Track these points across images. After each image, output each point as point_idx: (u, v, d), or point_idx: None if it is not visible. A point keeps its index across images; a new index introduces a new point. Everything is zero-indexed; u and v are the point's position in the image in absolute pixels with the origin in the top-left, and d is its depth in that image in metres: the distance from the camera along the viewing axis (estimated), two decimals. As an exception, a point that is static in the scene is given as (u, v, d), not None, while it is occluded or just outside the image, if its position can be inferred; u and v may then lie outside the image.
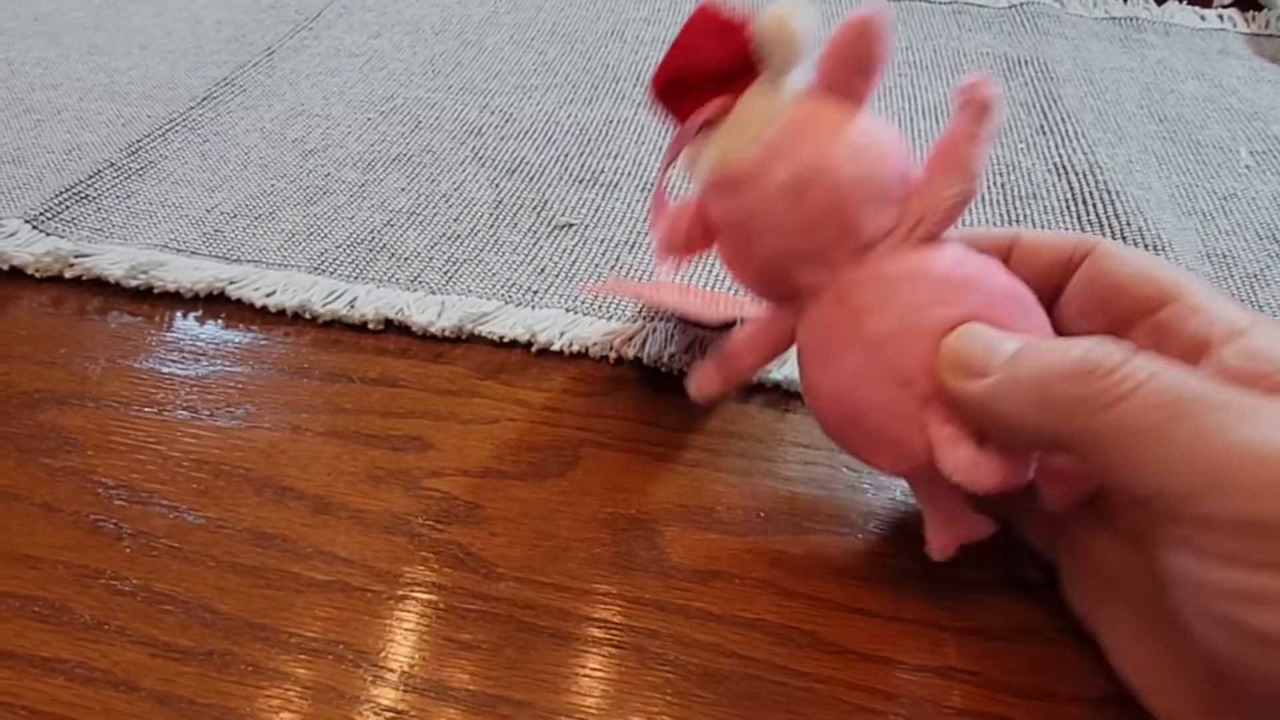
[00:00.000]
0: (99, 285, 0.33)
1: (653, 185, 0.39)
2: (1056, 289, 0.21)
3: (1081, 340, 0.17)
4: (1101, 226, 0.35)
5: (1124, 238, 0.34)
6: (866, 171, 0.19)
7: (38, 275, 0.33)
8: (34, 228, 0.35)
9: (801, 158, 0.19)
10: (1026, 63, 0.48)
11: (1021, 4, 0.54)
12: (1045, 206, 0.37)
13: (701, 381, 0.25)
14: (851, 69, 0.19)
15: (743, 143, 0.20)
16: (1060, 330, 0.21)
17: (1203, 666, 0.17)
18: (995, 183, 0.39)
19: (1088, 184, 0.38)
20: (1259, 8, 0.53)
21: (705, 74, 0.20)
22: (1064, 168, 0.39)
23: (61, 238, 0.35)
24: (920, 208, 0.20)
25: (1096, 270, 0.20)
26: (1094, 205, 0.36)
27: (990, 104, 0.19)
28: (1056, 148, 0.41)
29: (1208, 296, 0.19)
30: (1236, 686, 0.16)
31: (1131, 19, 0.53)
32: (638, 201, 0.37)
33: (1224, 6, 0.54)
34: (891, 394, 0.19)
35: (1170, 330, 0.19)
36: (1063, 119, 0.43)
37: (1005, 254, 0.21)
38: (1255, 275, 0.34)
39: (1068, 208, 0.37)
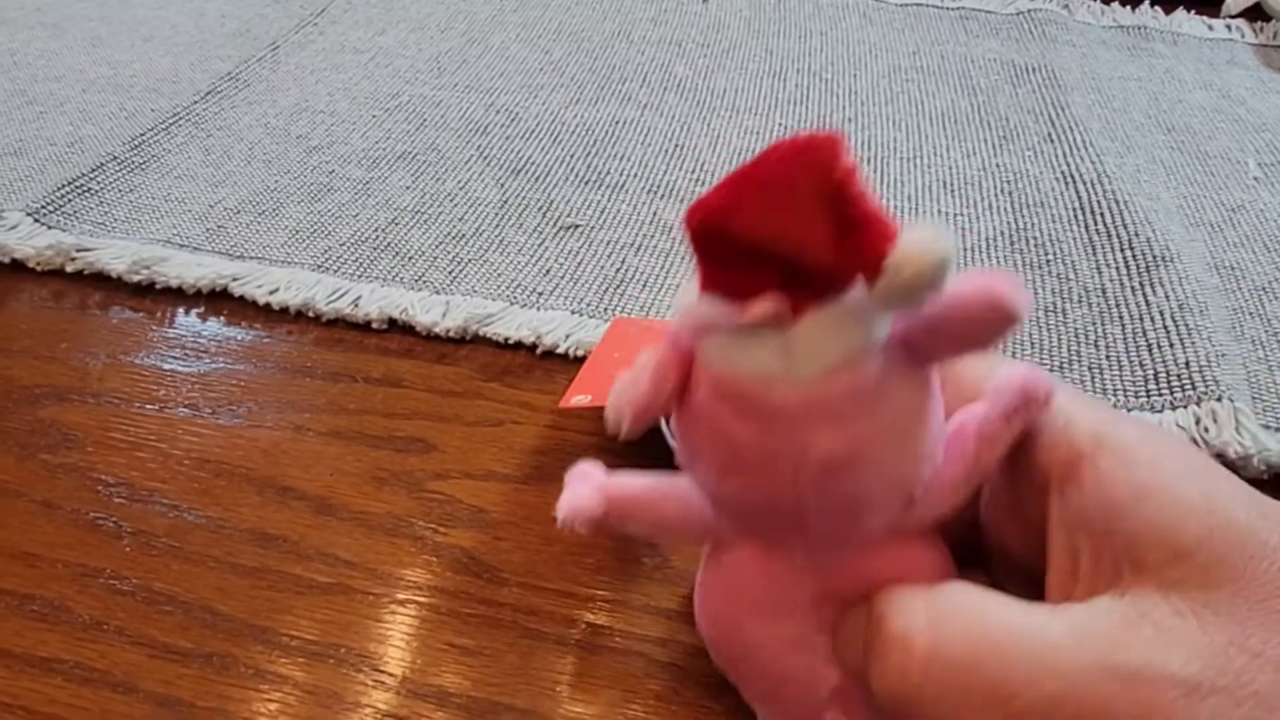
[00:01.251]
0: (100, 279, 0.33)
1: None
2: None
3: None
4: (1109, 236, 0.35)
5: (1132, 248, 0.34)
6: (910, 477, 0.16)
7: (39, 269, 0.33)
8: (36, 220, 0.35)
9: (856, 439, 0.15)
10: (1034, 70, 0.48)
11: (1029, 11, 0.54)
12: (1053, 215, 0.37)
13: (577, 503, 0.19)
14: (957, 344, 0.15)
15: (798, 374, 0.15)
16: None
17: None
18: (1003, 190, 0.39)
19: (1095, 193, 0.38)
20: (1267, 18, 0.53)
21: (790, 256, 0.14)
22: (1072, 176, 0.39)
23: (63, 231, 0.34)
24: (927, 498, 0.17)
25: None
26: (1102, 215, 0.36)
27: (1046, 402, 0.16)
28: (1064, 156, 0.41)
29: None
30: None
31: (1139, 27, 0.53)
32: (643, 204, 0.37)
33: (1231, 16, 0.54)
34: (804, 671, 0.18)
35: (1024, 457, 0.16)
36: (1070, 127, 0.42)
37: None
38: (1263, 288, 0.33)
39: (1075, 217, 0.37)
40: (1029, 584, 0.17)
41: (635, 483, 0.19)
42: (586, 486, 0.19)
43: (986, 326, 0.15)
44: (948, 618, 0.15)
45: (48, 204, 0.36)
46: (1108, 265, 0.34)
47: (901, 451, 0.16)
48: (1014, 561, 0.18)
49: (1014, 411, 0.16)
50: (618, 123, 0.43)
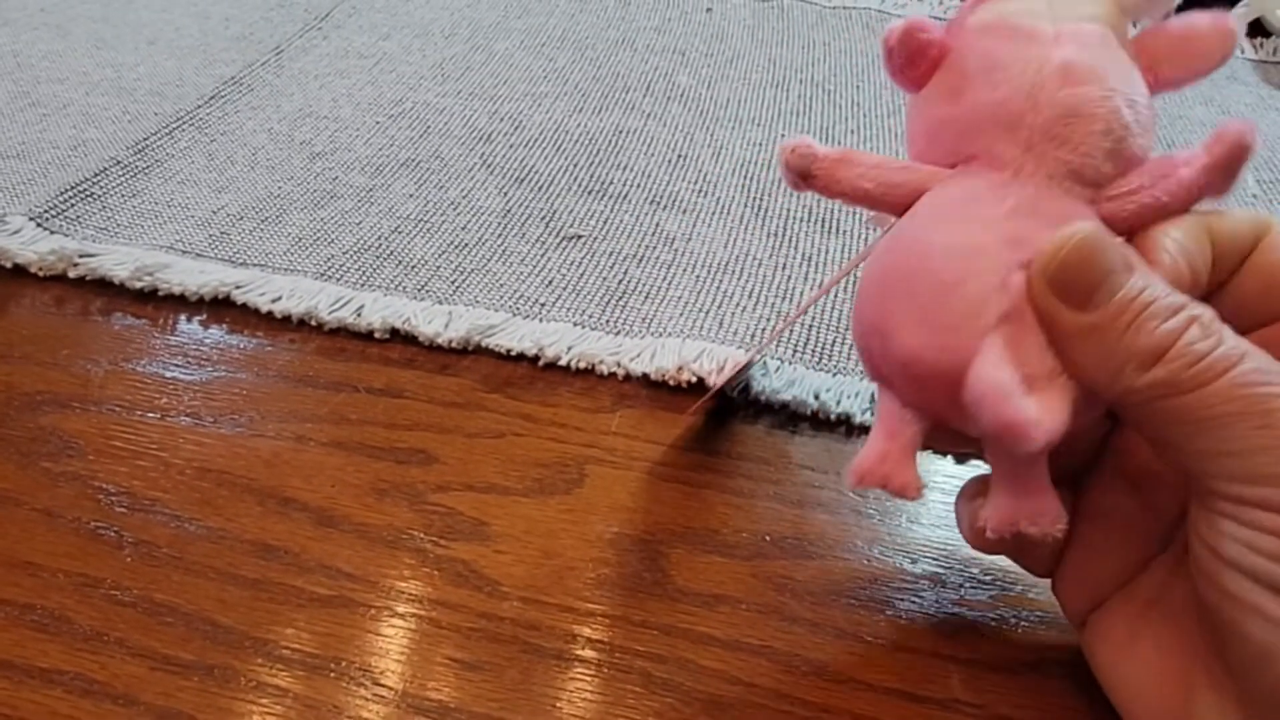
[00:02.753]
0: (102, 285, 0.33)
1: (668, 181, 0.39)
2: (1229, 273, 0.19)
3: (1181, 309, 0.16)
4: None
5: (1132, 265, 0.34)
6: (1125, 120, 0.17)
7: (41, 274, 0.33)
8: (38, 225, 0.35)
9: (1093, 60, 0.17)
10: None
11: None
12: (1053, 230, 0.37)
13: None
14: (1184, 59, 0.19)
15: (1058, 14, 0.18)
16: (1228, 315, 0.18)
17: (1195, 672, 0.17)
18: (1004, 205, 0.39)
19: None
20: (1267, 35, 0.53)
21: None
22: (1072, 192, 0.39)
23: (66, 236, 0.34)
24: (1156, 187, 0.18)
25: (1267, 259, 0.18)
26: (1102, 231, 0.37)
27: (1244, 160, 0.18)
28: (1065, 171, 0.41)
29: None
30: (1253, 683, 0.16)
31: (1141, 42, 0.53)
32: (646, 215, 0.37)
33: (1233, 32, 0.54)
34: (981, 278, 0.17)
35: None
36: (1072, 142, 0.43)
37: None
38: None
39: (1076, 232, 0.37)
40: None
41: (860, 152, 0.20)
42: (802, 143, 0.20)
43: (1213, 40, 0.18)
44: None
45: (50, 209, 0.36)
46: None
47: (1128, 91, 0.17)
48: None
49: (1216, 140, 0.18)
50: (621, 132, 0.43)
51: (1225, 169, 0.18)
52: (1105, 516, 0.20)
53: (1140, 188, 0.18)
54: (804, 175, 0.20)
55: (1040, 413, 0.16)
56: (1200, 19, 0.18)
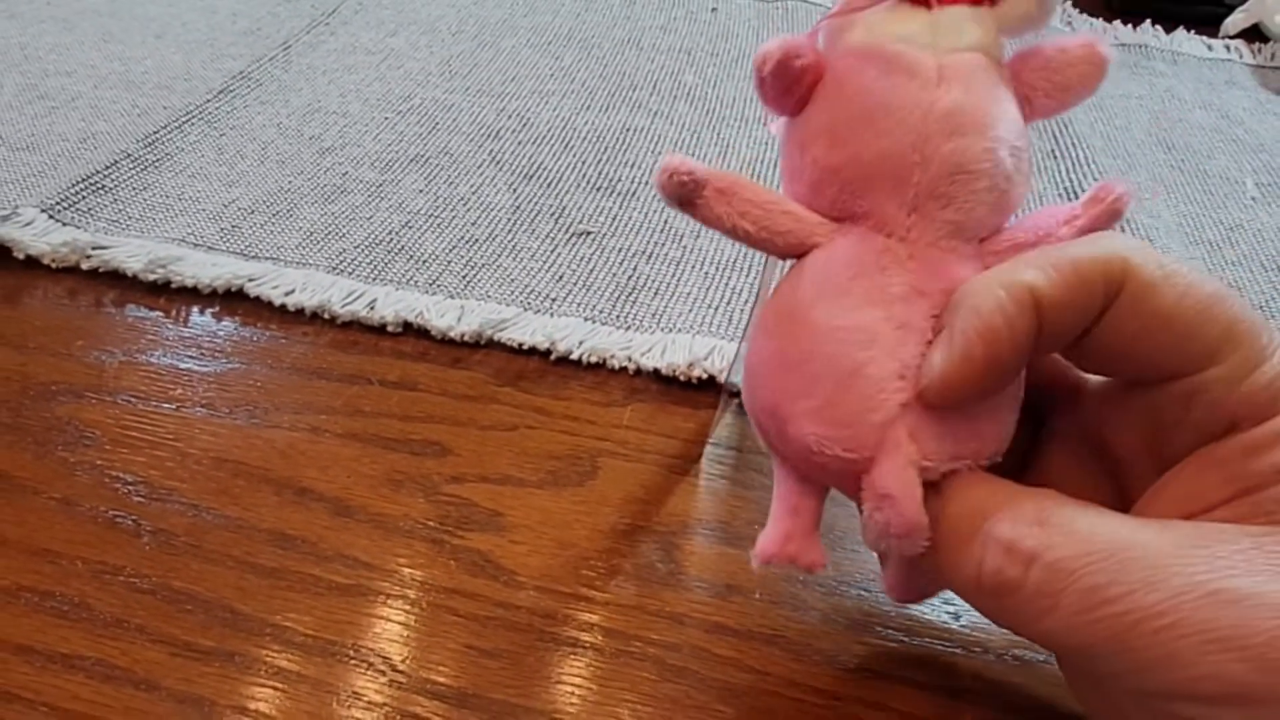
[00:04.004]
0: (115, 277, 0.33)
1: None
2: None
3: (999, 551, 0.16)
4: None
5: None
6: (1008, 170, 0.17)
7: (54, 265, 0.33)
8: (51, 217, 0.35)
9: (979, 101, 0.17)
10: (1038, 86, 0.49)
11: (1033, 27, 0.54)
12: (1056, 231, 0.38)
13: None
14: (1055, 89, 0.18)
15: (939, 44, 0.17)
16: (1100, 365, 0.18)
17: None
18: (1007, 205, 0.39)
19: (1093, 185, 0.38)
20: (1265, 40, 0.54)
21: None
22: (1075, 193, 0.40)
23: (78, 228, 0.35)
24: (1037, 245, 0.18)
25: (1122, 325, 0.16)
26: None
27: (1125, 208, 0.19)
28: (1068, 172, 0.41)
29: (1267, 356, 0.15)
30: None
31: (1140, 46, 0.54)
32: (655, 211, 0.38)
33: (1230, 37, 0.54)
34: (877, 365, 0.17)
35: (1205, 402, 0.16)
36: (1073, 144, 0.43)
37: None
38: (1260, 306, 0.34)
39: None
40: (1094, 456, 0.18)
41: (744, 179, 0.19)
42: (705, 167, 0.19)
43: (1086, 66, 0.18)
44: (1057, 523, 0.15)
45: (62, 201, 0.36)
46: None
47: (1010, 137, 0.17)
48: (1093, 438, 0.19)
49: (1096, 198, 0.18)
50: (628, 130, 0.43)
51: (1102, 229, 0.19)
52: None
53: (1023, 243, 0.18)
54: (683, 203, 0.18)
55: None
56: (1071, 43, 0.18)
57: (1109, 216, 0.18)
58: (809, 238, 0.19)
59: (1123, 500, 0.18)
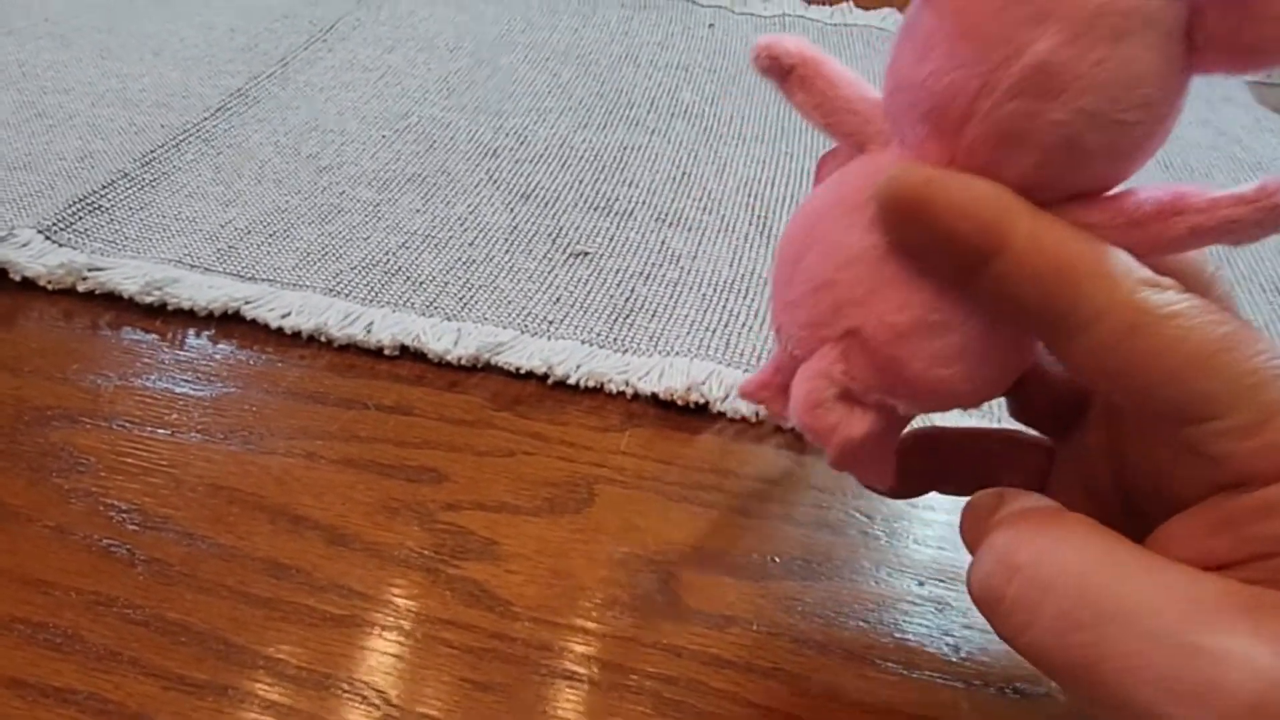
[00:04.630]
0: (111, 299, 0.33)
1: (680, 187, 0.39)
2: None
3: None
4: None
5: (1131, 286, 0.35)
6: (1088, 148, 0.15)
7: (50, 287, 0.33)
8: (47, 238, 0.35)
9: (1077, 64, 0.14)
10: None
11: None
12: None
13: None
14: (1242, 45, 0.14)
15: None
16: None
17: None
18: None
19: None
20: (1261, 56, 0.54)
21: None
22: (1072, 212, 0.40)
23: (74, 249, 0.35)
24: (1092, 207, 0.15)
25: (1109, 353, 0.15)
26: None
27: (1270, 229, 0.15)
28: (1065, 191, 0.41)
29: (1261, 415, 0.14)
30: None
31: (1138, 62, 0.54)
32: (652, 232, 0.38)
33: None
34: (844, 288, 0.17)
35: (1210, 454, 0.15)
36: (1071, 162, 0.43)
37: (987, 252, 0.15)
38: (1262, 328, 0.34)
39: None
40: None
41: (832, 64, 0.19)
42: (794, 39, 0.19)
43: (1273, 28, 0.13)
44: (1049, 540, 0.15)
45: (58, 221, 0.36)
46: None
47: (1107, 109, 0.14)
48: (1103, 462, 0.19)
49: (1245, 200, 0.14)
50: (626, 148, 0.43)
51: (1235, 236, 0.15)
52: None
53: (1112, 221, 0.15)
54: (782, 76, 0.19)
55: (836, 424, 0.18)
56: None
57: (1258, 221, 0.15)
58: (867, 142, 0.18)
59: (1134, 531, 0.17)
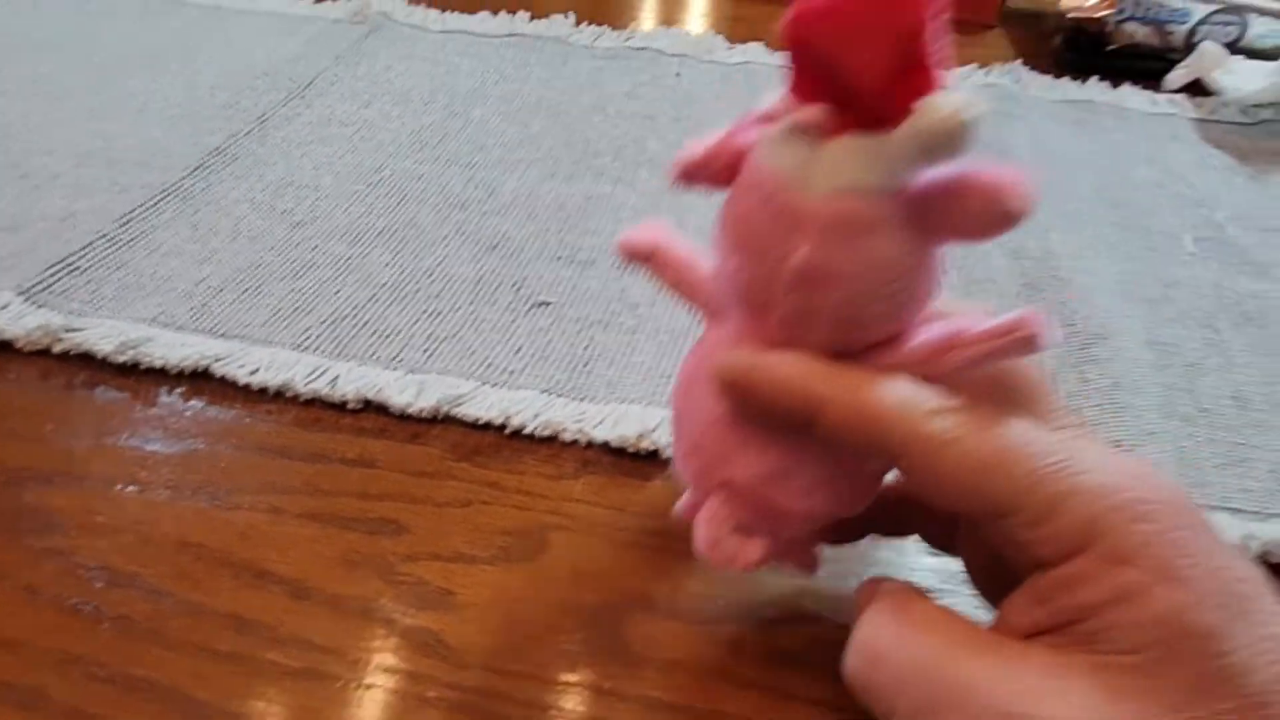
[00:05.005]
0: (86, 358, 0.34)
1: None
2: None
3: None
4: (1052, 313, 0.37)
5: (1073, 325, 0.36)
6: (864, 319, 0.18)
7: (27, 349, 0.34)
8: (26, 299, 0.36)
9: (830, 262, 0.17)
10: (987, 145, 0.50)
11: (985, 85, 0.57)
12: (1000, 290, 0.39)
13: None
14: (951, 231, 0.17)
15: (812, 183, 0.17)
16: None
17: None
18: (955, 266, 0.41)
19: (1041, 270, 0.40)
20: (1207, 93, 0.56)
21: (846, 78, 0.16)
22: (1018, 252, 0.41)
23: (52, 310, 0.36)
24: (883, 353, 0.19)
25: (914, 477, 0.18)
26: (1045, 292, 0.39)
27: (1035, 346, 0.18)
28: (1014, 232, 0.43)
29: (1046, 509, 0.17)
30: None
31: (1087, 101, 0.56)
32: (612, 280, 0.39)
33: (1173, 91, 0.57)
34: (711, 449, 0.21)
35: (1012, 544, 0.18)
36: (1020, 203, 0.45)
37: (807, 418, 0.19)
38: (1193, 364, 0.35)
39: (1020, 292, 0.39)
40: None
41: (683, 247, 0.23)
42: (649, 230, 0.24)
43: (982, 214, 0.17)
44: (902, 631, 0.18)
45: (38, 283, 0.37)
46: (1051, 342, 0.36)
47: (867, 292, 0.18)
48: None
49: (1002, 332, 0.18)
50: (590, 198, 0.45)
51: (1002, 359, 0.18)
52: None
53: (905, 361, 0.19)
54: (643, 262, 0.24)
55: (735, 555, 0.21)
56: (977, 186, 0.16)
57: (1014, 349, 0.18)
58: (714, 314, 0.22)
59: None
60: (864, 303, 0.18)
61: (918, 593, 0.19)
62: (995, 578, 0.20)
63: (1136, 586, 0.16)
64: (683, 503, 0.24)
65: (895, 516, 0.24)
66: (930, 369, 0.18)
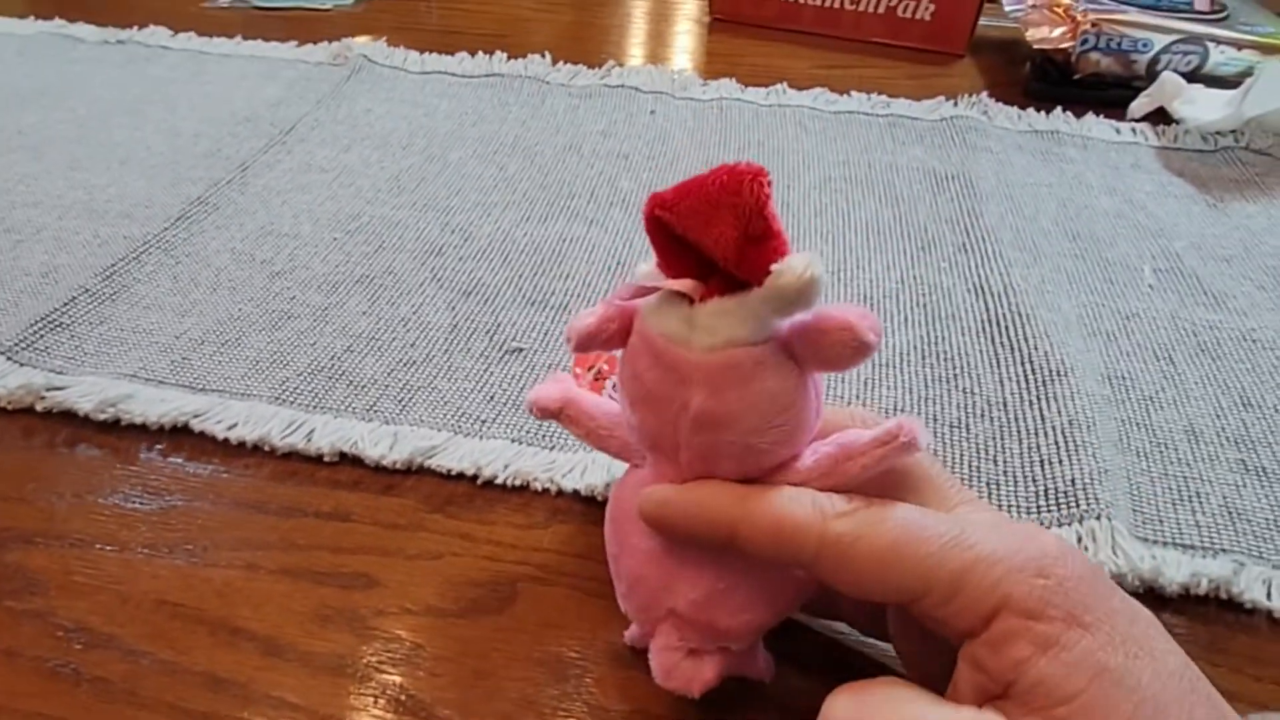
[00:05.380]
0: (68, 416, 0.35)
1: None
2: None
3: None
4: (1012, 349, 0.38)
5: (1031, 362, 0.37)
6: (763, 446, 0.20)
7: (9, 408, 0.35)
8: (8, 359, 0.37)
9: (724, 404, 0.20)
10: (953, 178, 0.52)
11: (951, 118, 0.58)
12: (963, 327, 0.40)
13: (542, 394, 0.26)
14: (819, 362, 0.20)
15: (695, 341, 0.20)
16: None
17: None
18: (919, 303, 0.42)
19: (1002, 305, 0.41)
20: (1169, 122, 0.57)
21: (706, 249, 0.19)
22: (981, 288, 0.42)
23: (35, 368, 0.37)
24: (785, 474, 0.21)
25: (829, 576, 0.20)
26: (1006, 328, 0.39)
27: (913, 449, 0.20)
28: (976, 267, 0.44)
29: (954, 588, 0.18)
30: None
31: (1052, 132, 0.57)
32: (585, 325, 0.40)
33: (1136, 121, 0.58)
34: (652, 580, 0.23)
35: (933, 620, 0.19)
36: (983, 237, 0.46)
37: (726, 538, 0.21)
38: (1150, 398, 0.36)
39: (983, 329, 0.40)
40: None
41: (590, 399, 0.25)
42: (556, 386, 0.26)
43: (840, 347, 0.19)
44: (876, 710, 0.19)
45: (20, 341, 0.38)
46: (1010, 379, 0.37)
47: (760, 426, 0.20)
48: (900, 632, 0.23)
49: (885, 441, 0.20)
50: (565, 240, 0.46)
51: (889, 465, 0.20)
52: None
53: (806, 479, 0.21)
54: (554, 418, 0.26)
55: (691, 678, 0.23)
56: (832, 323, 0.19)
57: (897, 454, 0.20)
58: (631, 458, 0.25)
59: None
60: (759, 434, 0.20)
61: (898, 682, 0.20)
62: (927, 656, 0.21)
63: (1050, 637, 0.17)
64: (631, 633, 0.26)
65: (824, 601, 0.26)
66: (829, 482, 0.21)
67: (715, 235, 0.18)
